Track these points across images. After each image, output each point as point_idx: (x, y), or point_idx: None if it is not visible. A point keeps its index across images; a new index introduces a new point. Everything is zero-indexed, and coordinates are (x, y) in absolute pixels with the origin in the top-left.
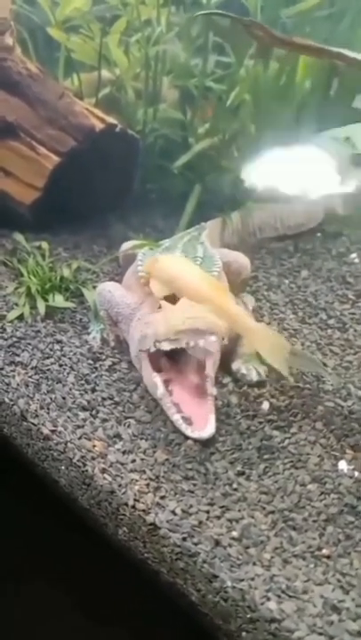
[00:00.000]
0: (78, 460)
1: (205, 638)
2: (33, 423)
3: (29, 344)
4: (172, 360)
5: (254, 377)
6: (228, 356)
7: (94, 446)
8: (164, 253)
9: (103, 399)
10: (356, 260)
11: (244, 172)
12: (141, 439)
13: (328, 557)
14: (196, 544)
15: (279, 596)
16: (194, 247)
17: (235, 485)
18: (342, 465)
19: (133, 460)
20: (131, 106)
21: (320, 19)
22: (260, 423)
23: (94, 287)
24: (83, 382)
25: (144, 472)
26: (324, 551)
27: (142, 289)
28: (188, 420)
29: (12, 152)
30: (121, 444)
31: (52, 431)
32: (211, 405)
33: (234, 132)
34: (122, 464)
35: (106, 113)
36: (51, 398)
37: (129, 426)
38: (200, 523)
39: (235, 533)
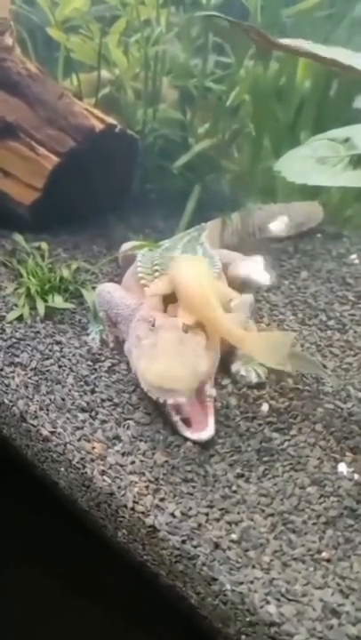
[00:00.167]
0: (78, 462)
1: None
2: (32, 424)
3: (29, 345)
4: None
5: (254, 379)
6: (227, 357)
7: (94, 448)
8: (164, 254)
9: (102, 400)
10: (356, 262)
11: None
12: (141, 441)
13: (328, 561)
14: (195, 547)
15: (279, 600)
16: (194, 248)
17: (234, 488)
18: (342, 467)
19: (133, 462)
20: (130, 106)
21: (320, 19)
22: (260, 425)
23: (94, 288)
24: (82, 383)
25: (143, 474)
26: (324, 554)
27: (142, 290)
28: (187, 422)
29: (11, 152)
30: (120, 446)
31: (52, 432)
32: (210, 407)
33: (233, 132)
34: (121, 466)
35: (105, 113)
36: (50, 399)
37: (128, 427)
38: (199, 525)
39: (234, 536)
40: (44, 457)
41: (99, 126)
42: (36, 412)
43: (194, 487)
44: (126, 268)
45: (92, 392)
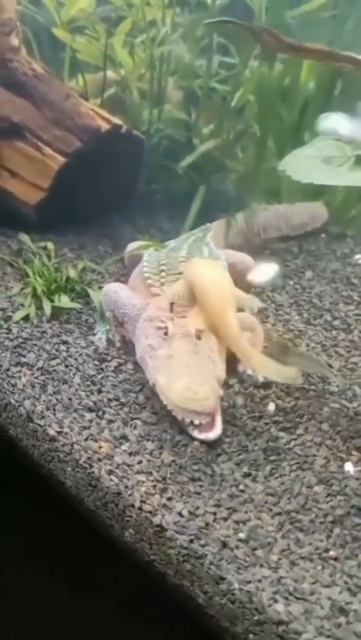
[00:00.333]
0: (85, 462)
1: None
2: (39, 424)
3: (35, 345)
4: None
5: (260, 378)
6: (234, 357)
7: (100, 447)
8: (170, 255)
9: (109, 400)
10: None
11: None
12: (148, 440)
13: (335, 559)
14: (203, 546)
15: (287, 598)
16: (199, 248)
17: (241, 487)
18: (348, 466)
19: (140, 462)
20: (136, 106)
21: (324, 19)
22: (266, 424)
23: (100, 288)
24: (89, 383)
25: (150, 473)
26: (332, 553)
27: (148, 290)
28: (194, 422)
29: (17, 153)
30: (127, 446)
31: (59, 432)
32: (217, 407)
33: (238, 133)
34: (128, 465)
35: (111, 113)
36: (57, 399)
37: (135, 427)
38: (207, 524)
39: (242, 535)
40: (51, 457)
41: (105, 127)
42: (42, 411)
43: (201, 486)
44: (132, 268)
45: (99, 392)
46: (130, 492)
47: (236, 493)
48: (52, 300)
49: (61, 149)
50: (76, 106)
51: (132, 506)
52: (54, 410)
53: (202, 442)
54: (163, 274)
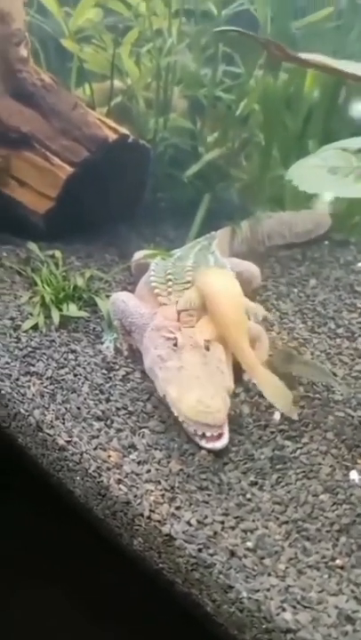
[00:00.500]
0: (94, 471)
1: None
2: (49, 434)
3: (44, 354)
4: None
5: None
6: (239, 365)
7: (109, 457)
8: (176, 264)
9: (117, 409)
10: None
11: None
12: (156, 449)
13: (342, 568)
14: (211, 555)
15: (294, 607)
16: (205, 257)
17: (248, 496)
18: (354, 475)
19: (148, 471)
20: (141, 115)
21: (329, 30)
22: (272, 433)
23: (107, 296)
24: (97, 392)
25: (159, 482)
26: (338, 562)
27: (155, 299)
28: (206, 434)
29: (26, 162)
30: (136, 455)
31: (68, 442)
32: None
33: (243, 141)
34: (137, 474)
35: (117, 122)
36: (66, 408)
37: (143, 436)
38: (215, 533)
39: (249, 544)
40: (60, 466)
41: (112, 136)
42: (52, 421)
43: (209, 495)
44: (139, 277)
45: (107, 400)
46: (139, 501)
47: (243, 502)
48: (60, 309)
49: (69, 159)
50: (83, 116)
51: (142, 515)
52: (63, 419)
53: (209, 451)
54: (170, 283)
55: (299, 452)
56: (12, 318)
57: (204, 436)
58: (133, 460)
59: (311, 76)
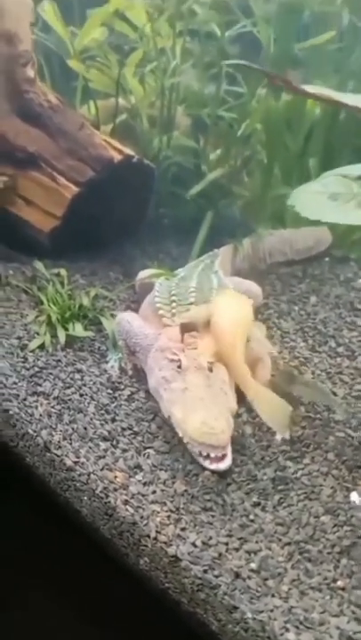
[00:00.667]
0: (101, 492)
1: None
2: (56, 454)
3: (51, 374)
4: None
5: None
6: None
7: (116, 477)
8: (180, 284)
9: (123, 429)
10: None
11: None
12: (161, 470)
13: (343, 589)
14: (216, 576)
15: (297, 627)
16: (208, 277)
17: (251, 517)
18: (354, 497)
19: (154, 492)
20: (145, 133)
21: (331, 51)
22: (274, 454)
23: (112, 315)
24: (103, 412)
25: (165, 504)
26: (339, 583)
27: (159, 319)
28: (210, 455)
29: (33, 182)
30: (141, 475)
31: (75, 462)
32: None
33: (245, 160)
34: (143, 495)
35: (121, 139)
36: (73, 428)
37: (148, 456)
38: (220, 555)
39: (253, 565)
40: (67, 485)
41: (117, 157)
42: (59, 441)
43: (213, 516)
44: (143, 295)
45: (113, 420)
46: (145, 522)
47: (246, 523)
48: (66, 329)
49: (75, 179)
50: (89, 137)
51: (148, 536)
52: (70, 439)
53: (213, 472)
54: (173, 304)
55: (300, 472)
56: (18, 337)
57: (208, 456)
58: (139, 480)
59: None
